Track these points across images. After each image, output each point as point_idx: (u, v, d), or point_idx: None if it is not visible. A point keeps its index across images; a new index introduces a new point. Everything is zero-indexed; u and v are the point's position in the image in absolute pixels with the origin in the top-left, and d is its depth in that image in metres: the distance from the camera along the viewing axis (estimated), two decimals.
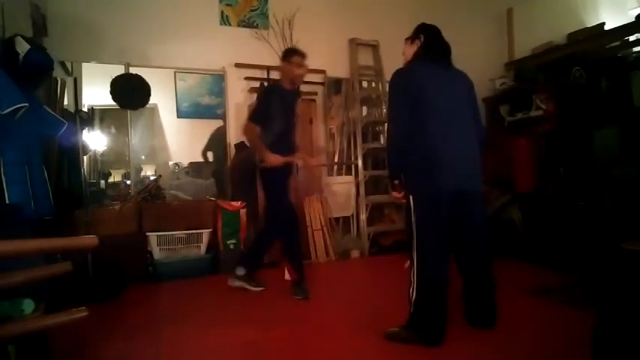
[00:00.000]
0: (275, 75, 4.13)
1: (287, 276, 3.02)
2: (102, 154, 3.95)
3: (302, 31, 4.29)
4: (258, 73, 4.17)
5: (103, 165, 3.96)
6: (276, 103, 2.81)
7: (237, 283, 3.01)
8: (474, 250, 2.19)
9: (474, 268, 2.19)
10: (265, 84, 2.84)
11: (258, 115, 2.81)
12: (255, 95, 4.01)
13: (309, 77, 4.43)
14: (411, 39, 2.26)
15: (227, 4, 4.19)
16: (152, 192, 3.64)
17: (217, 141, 4.16)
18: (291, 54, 2.91)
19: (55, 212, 2.60)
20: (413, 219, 2.06)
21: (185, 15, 4.01)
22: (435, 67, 2.15)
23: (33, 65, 2.41)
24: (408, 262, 2.13)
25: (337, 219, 4.30)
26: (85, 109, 3.64)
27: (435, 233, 2.03)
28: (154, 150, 4.13)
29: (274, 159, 2.76)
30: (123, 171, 4.00)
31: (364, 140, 4.38)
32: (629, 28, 3.97)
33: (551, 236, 3.60)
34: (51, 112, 2.78)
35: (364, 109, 4.60)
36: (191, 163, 4.24)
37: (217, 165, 4.21)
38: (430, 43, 2.20)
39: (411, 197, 2.08)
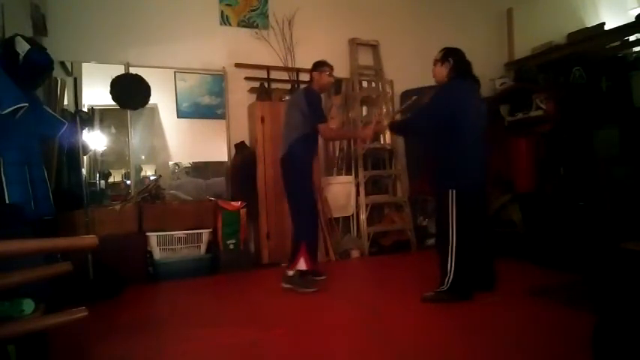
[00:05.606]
0: (275, 75, 4.23)
1: (302, 265, 2.95)
2: (102, 154, 3.94)
3: (302, 31, 4.29)
4: (258, 73, 4.18)
5: (103, 165, 3.95)
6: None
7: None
8: (482, 226, 2.73)
9: (481, 240, 2.71)
10: (288, 87, 3.15)
11: (323, 114, 3.07)
12: (255, 95, 4.10)
13: (308, 77, 4.45)
14: (441, 61, 2.63)
15: (227, 4, 4.19)
16: (152, 192, 3.64)
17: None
18: (323, 65, 3.16)
19: (55, 212, 2.60)
20: (453, 209, 2.53)
21: (185, 15, 4.02)
22: (468, 85, 2.60)
23: (33, 65, 2.41)
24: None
25: (337, 219, 4.30)
26: (85, 109, 3.64)
27: (469, 218, 2.55)
28: (154, 150, 4.12)
29: (364, 132, 3.40)
30: (123, 171, 4.00)
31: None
32: (629, 28, 3.98)
33: (551, 236, 3.60)
34: (51, 112, 2.79)
35: (364, 109, 4.60)
36: (191, 163, 4.22)
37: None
38: (459, 64, 2.61)
39: (451, 191, 2.54)
